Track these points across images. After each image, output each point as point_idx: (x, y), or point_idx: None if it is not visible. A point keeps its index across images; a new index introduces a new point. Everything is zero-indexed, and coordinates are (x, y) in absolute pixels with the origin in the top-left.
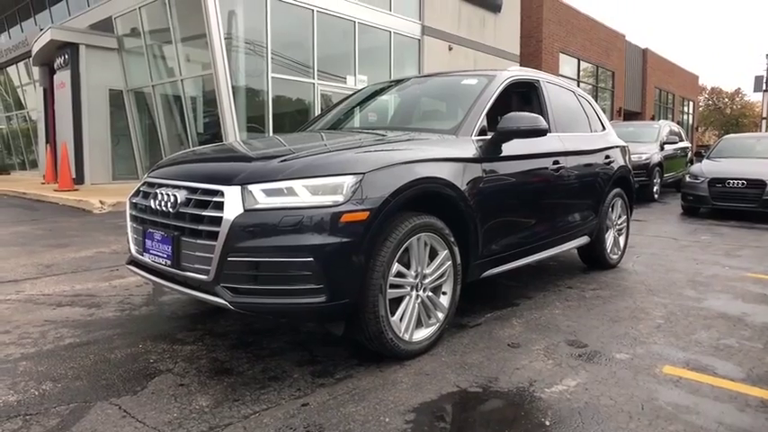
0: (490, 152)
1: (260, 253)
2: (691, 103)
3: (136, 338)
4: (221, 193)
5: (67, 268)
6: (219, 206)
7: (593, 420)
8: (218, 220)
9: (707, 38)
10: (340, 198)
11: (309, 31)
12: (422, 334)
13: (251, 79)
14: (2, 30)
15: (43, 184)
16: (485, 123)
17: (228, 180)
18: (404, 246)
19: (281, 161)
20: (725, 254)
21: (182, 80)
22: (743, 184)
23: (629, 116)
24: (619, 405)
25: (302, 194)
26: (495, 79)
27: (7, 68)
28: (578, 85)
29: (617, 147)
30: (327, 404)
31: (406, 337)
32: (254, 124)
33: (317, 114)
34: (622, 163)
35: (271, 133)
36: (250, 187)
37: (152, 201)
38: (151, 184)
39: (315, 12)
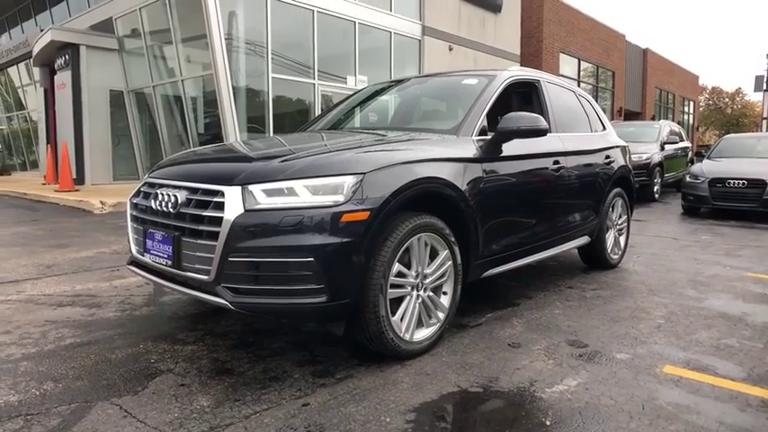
0: (490, 152)
1: (260, 253)
2: (691, 103)
3: (137, 338)
4: (222, 194)
5: (68, 268)
6: (220, 206)
7: (593, 420)
8: (218, 221)
9: (707, 38)
10: (340, 198)
11: (310, 31)
12: (422, 334)
13: (251, 80)
14: (2, 30)
15: (44, 184)
16: (485, 123)
17: (229, 180)
18: (404, 246)
19: (282, 161)
20: (725, 254)
21: (182, 80)
22: (743, 183)
23: (630, 116)
24: (619, 405)
25: (303, 194)
26: (495, 79)
27: (8, 69)
28: (579, 85)
29: (617, 147)
30: (328, 404)
31: (407, 336)
32: (254, 124)
33: (317, 115)
34: (623, 163)
35: (271, 133)
36: (251, 187)
37: (153, 201)
38: (152, 185)
39: (315, 12)
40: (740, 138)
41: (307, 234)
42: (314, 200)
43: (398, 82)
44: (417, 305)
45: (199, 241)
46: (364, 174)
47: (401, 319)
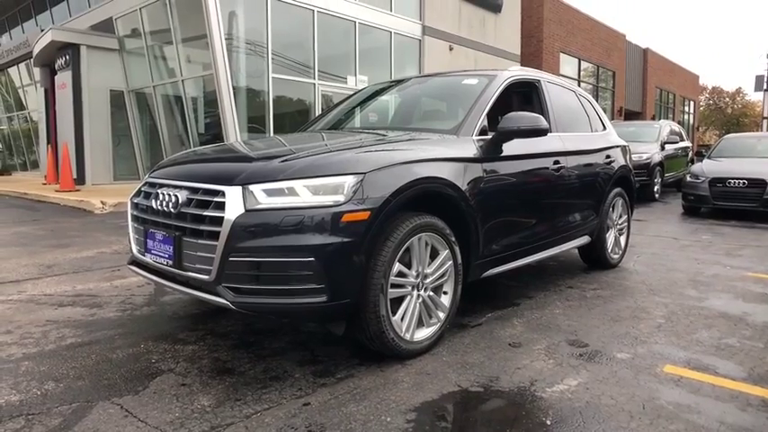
0: (491, 152)
1: (261, 253)
2: (691, 103)
3: (137, 338)
4: (222, 194)
5: (69, 268)
6: (221, 206)
7: (594, 420)
8: (219, 221)
9: (707, 37)
10: (341, 198)
11: (310, 31)
12: (423, 333)
13: (252, 80)
14: (3, 30)
15: (44, 184)
16: (485, 123)
17: (230, 180)
18: (405, 245)
19: (282, 161)
20: (726, 253)
21: (182, 81)
22: (744, 183)
23: (630, 116)
24: (620, 404)
25: (303, 194)
26: (495, 79)
27: (8, 69)
28: (579, 85)
29: (618, 146)
30: (329, 404)
31: (408, 336)
32: (254, 124)
33: (317, 114)
34: (623, 163)
35: (271, 133)
36: (251, 187)
37: (153, 201)
38: (152, 185)
39: (315, 12)
40: (740, 137)
41: (307, 234)
42: (314, 200)
43: (399, 82)
44: (418, 305)
45: (200, 241)
46: (365, 174)
47: (402, 319)
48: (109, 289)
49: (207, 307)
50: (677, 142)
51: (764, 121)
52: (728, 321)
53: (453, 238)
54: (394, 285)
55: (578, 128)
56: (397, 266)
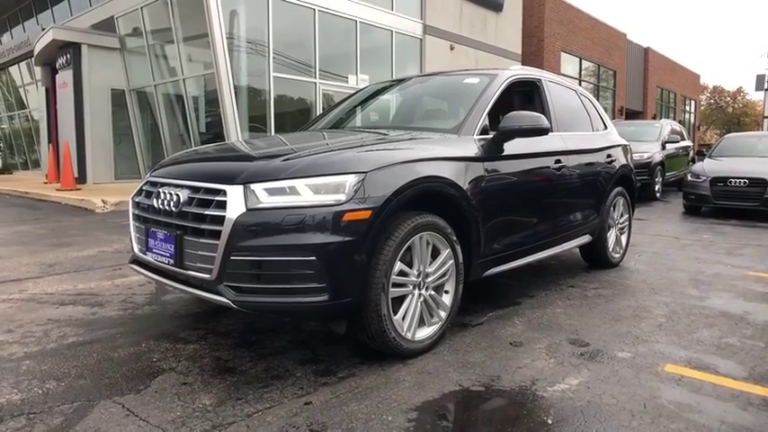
0: (492, 151)
1: (262, 252)
2: (692, 102)
3: (139, 337)
4: (224, 193)
5: (70, 267)
6: (222, 205)
7: (595, 419)
8: (220, 219)
9: (708, 37)
10: (342, 197)
11: (311, 30)
12: (424, 333)
13: (253, 79)
14: (4, 29)
15: (45, 183)
16: (486, 122)
17: (231, 179)
18: (406, 244)
19: (284, 160)
20: (727, 253)
21: (183, 80)
22: (744, 182)
23: (631, 115)
24: (621, 403)
25: (304, 193)
26: (496, 78)
27: (9, 68)
28: (580, 85)
29: (619, 146)
30: (330, 403)
31: (409, 335)
32: (255, 124)
33: (318, 114)
34: (624, 162)
35: (272, 133)
36: (252, 186)
37: (155, 200)
38: (154, 184)
39: (316, 11)
40: (741, 137)
41: (308, 233)
42: (316, 199)
43: (400, 81)
44: (419, 304)
45: (201, 240)
46: (366, 173)
47: (403, 318)
48: (110, 288)
49: (208, 306)
50: (678, 141)
51: (765, 120)
52: (729, 320)
53: (454, 238)
54: (395, 284)
55: (579, 127)
56: (398, 265)
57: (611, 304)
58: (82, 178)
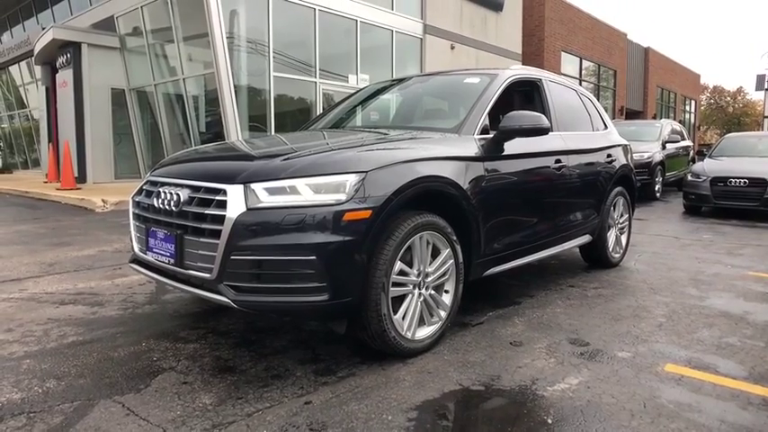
0: (492, 151)
1: (263, 251)
2: (693, 102)
3: (139, 337)
4: (224, 192)
5: (70, 267)
6: (222, 205)
7: (595, 418)
8: (220, 219)
9: (709, 37)
10: (342, 197)
11: (311, 29)
12: (424, 332)
13: (253, 78)
14: (4, 29)
15: (45, 182)
16: (487, 122)
17: (231, 179)
18: (406, 244)
19: (284, 160)
20: (727, 252)
21: (184, 79)
22: (745, 182)
23: (631, 115)
24: (621, 403)
25: (305, 193)
26: (497, 78)
27: (9, 67)
28: (580, 84)
29: (619, 145)
30: (330, 402)
31: (409, 335)
32: (255, 123)
33: (318, 113)
34: (624, 162)
35: (273, 132)
36: (253, 186)
37: (155, 199)
38: (154, 183)
39: (317, 10)
40: (741, 137)
41: (309, 232)
42: (316, 198)
43: (400, 81)
44: (419, 303)
45: (201, 239)
46: (366, 172)
47: (403, 318)
48: (110, 287)
49: (208, 305)
50: (678, 141)
51: (765, 120)
52: (729, 320)
53: (455, 237)
54: (395, 284)
55: (580, 127)
56: (398, 265)
57: (611, 304)
58: (82, 178)
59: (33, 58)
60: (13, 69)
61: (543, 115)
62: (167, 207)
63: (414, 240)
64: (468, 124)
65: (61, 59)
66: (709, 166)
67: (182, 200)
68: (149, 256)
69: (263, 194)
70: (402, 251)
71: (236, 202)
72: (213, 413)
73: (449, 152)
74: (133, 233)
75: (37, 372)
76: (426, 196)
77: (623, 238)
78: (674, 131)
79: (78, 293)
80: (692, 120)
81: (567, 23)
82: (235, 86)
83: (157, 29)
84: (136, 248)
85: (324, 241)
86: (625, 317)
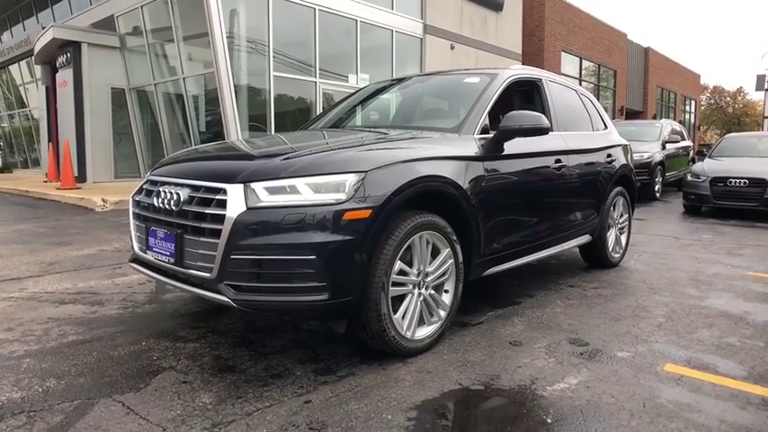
0: (492, 151)
1: (263, 251)
2: (693, 102)
3: (139, 336)
4: (224, 191)
5: (70, 266)
6: (222, 204)
7: (594, 418)
8: (220, 218)
9: (709, 37)
10: (342, 196)
11: (311, 29)
12: (424, 332)
13: (253, 78)
14: (4, 28)
15: (45, 182)
16: (487, 122)
17: (231, 178)
18: (406, 244)
19: (284, 159)
20: (726, 253)
21: (184, 79)
22: (744, 182)
23: (631, 115)
24: (620, 403)
25: (305, 192)
26: (497, 78)
27: (9, 67)
28: (580, 84)
29: (619, 145)
30: (330, 401)
31: (409, 334)
32: (255, 123)
33: (318, 113)
34: (624, 162)
35: (273, 132)
36: (253, 185)
37: (155, 199)
38: (154, 182)
39: (317, 10)
40: (741, 137)
41: (309, 232)
42: (316, 198)
43: (400, 80)
44: (419, 303)
45: (201, 239)
46: (366, 172)
47: (403, 317)
48: (110, 286)
49: (208, 305)
50: (678, 141)
51: (765, 120)
52: (729, 320)
53: (454, 237)
54: (395, 284)
55: (580, 127)
56: (398, 265)
57: (610, 304)
58: (82, 177)
59: (33, 58)
60: (13, 69)
61: (543, 115)
62: (167, 206)
63: (414, 240)
64: (468, 124)
65: (61, 59)
66: (708, 167)
67: (182, 199)
68: (149, 256)
69: (263, 194)
70: (402, 251)
71: (236, 201)
72: (213, 412)
73: (449, 152)
74: (133, 232)
75: (37, 371)
76: (426, 196)
77: (623, 238)
78: (673, 131)
79: (78, 293)
80: (692, 120)
81: (567, 23)
82: (235, 86)
83: (157, 28)
84: (136, 248)
85: (324, 241)
86: (625, 317)
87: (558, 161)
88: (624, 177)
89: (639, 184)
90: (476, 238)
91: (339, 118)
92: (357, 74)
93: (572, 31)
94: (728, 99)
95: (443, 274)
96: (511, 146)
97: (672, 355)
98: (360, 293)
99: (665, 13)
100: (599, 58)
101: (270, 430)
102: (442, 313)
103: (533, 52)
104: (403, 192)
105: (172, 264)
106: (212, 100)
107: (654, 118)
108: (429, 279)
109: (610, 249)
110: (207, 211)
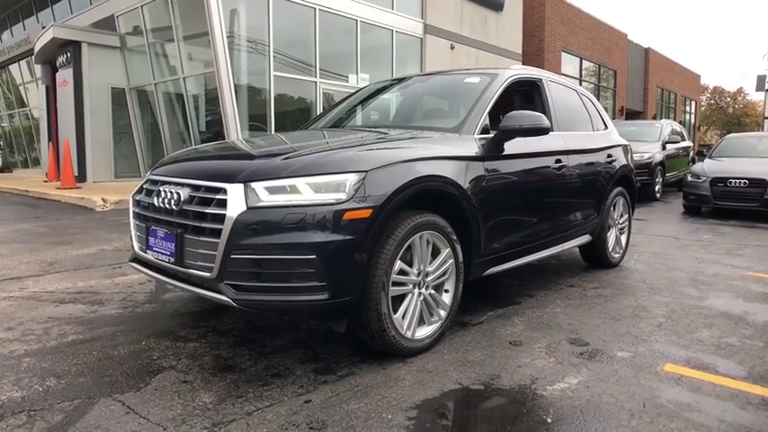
0: (492, 151)
1: (263, 250)
2: (693, 103)
3: (139, 335)
4: (224, 191)
5: (70, 265)
6: (222, 204)
7: (594, 418)
8: (221, 218)
9: (709, 37)
10: (343, 196)
11: (311, 29)
12: (424, 331)
13: (253, 77)
14: (4, 28)
15: (45, 182)
16: (487, 122)
17: (231, 178)
18: (406, 243)
19: (284, 159)
20: (726, 253)
21: (184, 78)
22: (744, 183)
23: (632, 115)
24: (620, 403)
25: (305, 192)
26: (497, 78)
27: (9, 66)
28: (581, 84)
29: (619, 146)
30: (330, 401)
31: (409, 334)
32: (256, 122)
33: (319, 113)
34: (624, 162)
35: (273, 131)
36: (253, 185)
37: (155, 198)
38: (154, 182)
39: (317, 10)
40: (741, 137)
41: (309, 231)
42: (316, 197)
43: (400, 80)
44: (419, 303)
45: (201, 238)
46: (366, 172)
47: (403, 317)
48: (110, 286)
49: (208, 304)
50: (678, 142)
51: (766, 120)
52: (729, 320)
53: (455, 237)
54: (395, 283)
55: (580, 127)
56: (398, 264)
57: (610, 304)
58: (82, 177)
59: (33, 57)
60: (13, 68)
61: (543, 115)
62: (167, 206)
63: (414, 240)
64: (468, 124)
65: (61, 58)
66: (709, 167)
67: (182, 199)
68: (149, 255)
69: (264, 193)
70: (402, 250)
71: (236, 200)
72: (213, 412)
73: (449, 152)
74: (133, 232)
75: (37, 370)
76: (426, 196)
77: (623, 239)
78: (674, 132)
79: (78, 292)
80: (692, 120)
81: (567, 23)
82: (235, 86)
83: (157, 28)
84: (136, 247)
85: (324, 240)
86: (625, 317)
87: (558, 161)
88: (624, 177)
89: (639, 184)
90: (476, 237)
91: (339, 118)
92: (357, 74)
93: (572, 32)
94: (729, 99)
95: (443, 273)
96: (511, 146)
97: (672, 355)
98: (360, 293)
99: (665, 13)
100: (599, 59)
101: (270, 430)
102: (443, 313)
103: (533, 52)
104: (403, 191)
105: (172, 263)
106: (212, 100)
107: (654, 118)
108: (429, 279)
109: (610, 249)
110: (207, 211)
